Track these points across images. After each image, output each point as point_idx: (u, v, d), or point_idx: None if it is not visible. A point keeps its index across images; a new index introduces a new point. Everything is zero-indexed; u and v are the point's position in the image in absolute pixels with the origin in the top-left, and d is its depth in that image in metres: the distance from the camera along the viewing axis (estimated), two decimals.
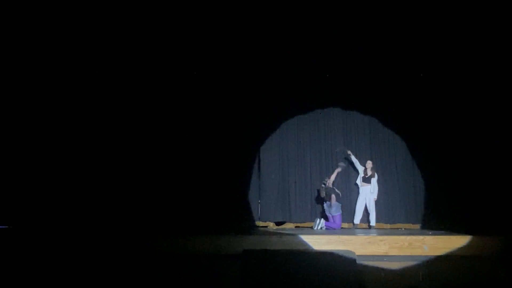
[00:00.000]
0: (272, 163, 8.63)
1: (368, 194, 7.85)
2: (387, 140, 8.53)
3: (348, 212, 8.10)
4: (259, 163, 8.62)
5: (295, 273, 4.15)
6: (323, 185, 7.79)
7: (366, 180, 7.90)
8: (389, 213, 8.22)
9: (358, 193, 8.08)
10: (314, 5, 6.60)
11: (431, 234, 5.53)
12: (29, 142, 7.77)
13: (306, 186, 8.57)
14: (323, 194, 7.74)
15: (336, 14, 6.80)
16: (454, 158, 7.70)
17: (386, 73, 8.06)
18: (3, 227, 7.02)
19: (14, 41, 7.09)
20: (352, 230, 7.51)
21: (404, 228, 7.77)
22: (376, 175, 7.91)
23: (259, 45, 7.54)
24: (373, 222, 7.78)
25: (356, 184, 8.11)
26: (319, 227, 7.29)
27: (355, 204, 8.03)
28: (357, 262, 4.51)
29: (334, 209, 7.56)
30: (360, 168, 8.05)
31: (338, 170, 8.03)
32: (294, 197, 8.53)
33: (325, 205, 7.75)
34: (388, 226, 8.15)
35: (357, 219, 7.96)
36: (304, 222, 8.39)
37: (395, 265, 4.81)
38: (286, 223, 8.44)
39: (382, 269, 4.76)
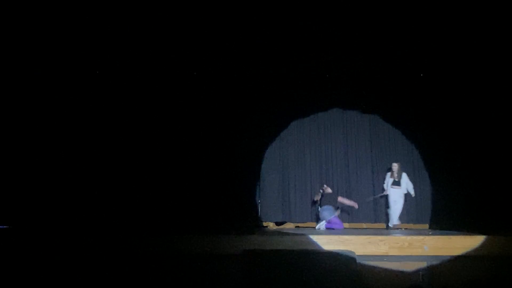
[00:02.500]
0: (272, 163, 8.62)
1: (398, 198, 7.67)
2: (387, 140, 8.51)
3: (348, 212, 8.12)
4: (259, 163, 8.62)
5: (295, 273, 4.15)
6: (320, 191, 7.82)
7: (396, 183, 7.75)
8: None
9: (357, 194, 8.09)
10: (314, 5, 6.60)
11: (431, 234, 5.52)
12: (29, 142, 7.76)
13: (306, 186, 8.55)
14: (317, 198, 7.78)
15: (336, 14, 6.79)
16: (458, 157, 7.64)
17: (386, 73, 8.04)
18: (3, 227, 7.02)
19: (14, 42, 7.09)
20: (352, 230, 7.49)
21: (404, 228, 7.76)
22: (403, 174, 7.74)
23: (259, 46, 7.53)
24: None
25: (383, 189, 7.99)
26: (321, 228, 7.30)
27: (387, 209, 7.91)
28: (357, 262, 4.53)
29: (326, 213, 7.43)
30: (388, 176, 7.89)
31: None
32: (294, 197, 8.52)
33: (319, 209, 7.75)
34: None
35: (396, 221, 7.72)
36: (304, 222, 8.39)
37: (395, 265, 4.81)
38: (286, 223, 8.43)
39: (382, 269, 4.76)
